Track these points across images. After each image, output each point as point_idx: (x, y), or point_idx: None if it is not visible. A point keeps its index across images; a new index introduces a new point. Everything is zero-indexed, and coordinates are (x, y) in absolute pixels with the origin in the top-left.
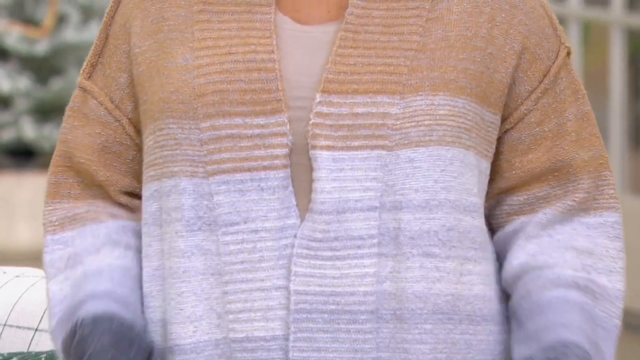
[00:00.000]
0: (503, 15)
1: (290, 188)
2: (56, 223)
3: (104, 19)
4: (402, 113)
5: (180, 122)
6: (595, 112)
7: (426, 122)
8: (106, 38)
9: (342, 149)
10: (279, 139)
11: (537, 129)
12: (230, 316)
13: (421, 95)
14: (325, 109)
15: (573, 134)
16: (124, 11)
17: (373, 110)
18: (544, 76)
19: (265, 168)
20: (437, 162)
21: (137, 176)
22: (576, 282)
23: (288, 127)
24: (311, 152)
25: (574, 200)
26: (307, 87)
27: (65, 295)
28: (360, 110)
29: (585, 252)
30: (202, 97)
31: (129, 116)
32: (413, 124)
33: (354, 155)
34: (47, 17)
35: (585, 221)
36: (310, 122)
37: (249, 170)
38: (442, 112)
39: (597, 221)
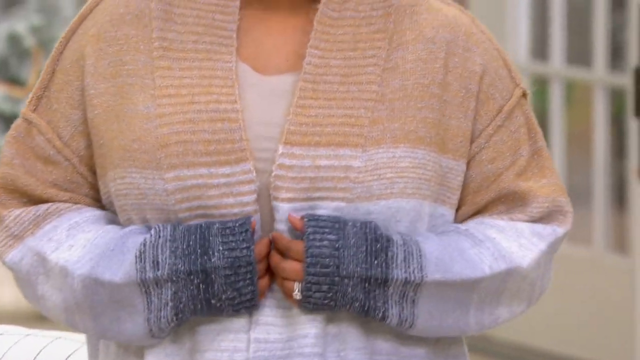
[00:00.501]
0: (456, 59)
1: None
2: (30, 226)
3: (52, 53)
4: (365, 166)
5: (143, 172)
6: (579, 171)
7: (388, 175)
8: (53, 72)
9: (303, 200)
10: (247, 186)
11: (490, 166)
12: (198, 354)
13: (383, 147)
14: (287, 161)
15: (522, 168)
16: (76, 47)
17: (336, 164)
18: (497, 114)
19: (235, 215)
20: (395, 214)
21: (97, 204)
22: (457, 227)
23: (254, 173)
24: (273, 202)
25: (511, 219)
26: (269, 138)
27: (82, 255)
28: (323, 162)
29: (496, 226)
30: (165, 148)
31: (81, 154)
32: (375, 177)
33: (314, 205)
34: (31, 77)
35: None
36: (273, 174)
37: (221, 216)
38: (403, 164)
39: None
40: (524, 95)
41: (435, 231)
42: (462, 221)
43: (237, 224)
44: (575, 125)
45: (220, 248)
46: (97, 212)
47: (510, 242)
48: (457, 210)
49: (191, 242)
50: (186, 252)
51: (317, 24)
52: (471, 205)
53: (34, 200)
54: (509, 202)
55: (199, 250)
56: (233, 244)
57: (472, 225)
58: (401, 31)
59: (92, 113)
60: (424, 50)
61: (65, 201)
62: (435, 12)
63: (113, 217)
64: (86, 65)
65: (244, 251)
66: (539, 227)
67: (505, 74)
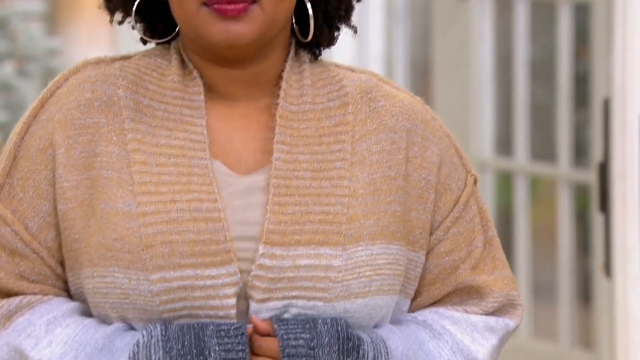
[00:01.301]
0: (416, 149)
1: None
2: (2, 320)
3: (14, 139)
4: (345, 265)
5: (127, 272)
6: (543, 267)
7: (367, 273)
8: (14, 159)
9: (277, 299)
10: (232, 289)
11: (447, 258)
12: None
13: (361, 245)
14: (267, 262)
15: (477, 260)
16: (42, 134)
17: (316, 263)
18: (454, 205)
19: (221, 317)
20: (370, 311)
21: (64, 293)
22: (415, 317)
23: (239, 275)
24: (249, 301)
25: (466, 311)
26: (248, 238)
27: (64, 352)
28: (303, 262)
29: (450, 317)
30: (151, 248)
31: (49, 245)
32: (354, 275)
33: (288, 304)
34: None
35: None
36: (252, 274)
37: (207, 317)
38: (380, 261)
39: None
40: (475, 182)
41: (391, 319)
42: (415, 311)
43: (232, 327)
44: (540, 221)
45: (217, 349)
46: (71, 305)
47: (464, 335)
48: (412, 300)
49: (186, 343)
50: (181, 353)
51: (279, 119)
52: (427, 297)
53: (4, 293)
54: (464, 294)
55: (194, 351)
56: (229, 346)
57: (428, 315)
58: (361, 121)
59: (64, 206)
60: (387, 140)
61: (35, 293)
62: (392, 99)
63: (85, 308)
64: (57, 155)
65: (240, 354)
66: (491, 320)
67: (458, 162)
